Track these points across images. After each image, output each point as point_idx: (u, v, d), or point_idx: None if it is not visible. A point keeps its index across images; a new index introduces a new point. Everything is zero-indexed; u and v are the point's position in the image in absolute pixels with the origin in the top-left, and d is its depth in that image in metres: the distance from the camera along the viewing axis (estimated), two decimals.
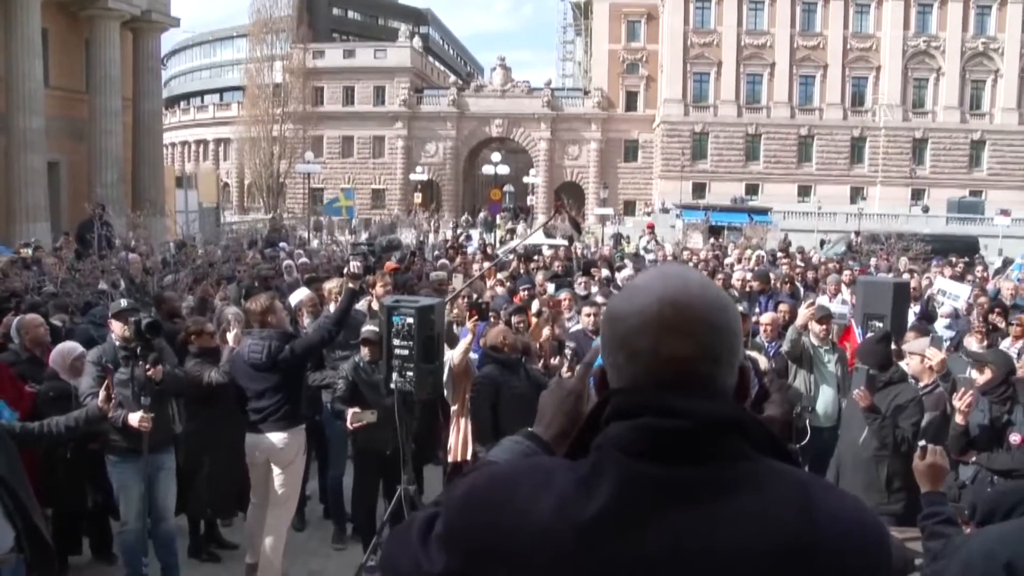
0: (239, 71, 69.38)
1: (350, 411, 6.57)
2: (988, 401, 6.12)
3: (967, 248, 27.43)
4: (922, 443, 3.23)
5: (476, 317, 7.60)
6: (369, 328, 6.98)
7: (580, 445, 1.45)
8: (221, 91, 78.26)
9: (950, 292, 12.52)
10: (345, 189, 46.29)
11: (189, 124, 77.90)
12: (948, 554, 1.43)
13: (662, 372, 1.36)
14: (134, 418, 5.82)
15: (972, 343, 8.68)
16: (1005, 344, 8.37)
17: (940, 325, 11.03)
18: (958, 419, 5.96)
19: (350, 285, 7.12)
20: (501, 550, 1.33)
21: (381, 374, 6.63)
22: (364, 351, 6.98)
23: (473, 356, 7.70)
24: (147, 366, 5.93)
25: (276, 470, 6.62)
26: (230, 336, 7.26)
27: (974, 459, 6.12)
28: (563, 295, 10.18)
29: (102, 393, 5.20)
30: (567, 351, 7.37)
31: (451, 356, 7.48)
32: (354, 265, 7.26)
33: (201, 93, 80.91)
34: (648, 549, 1.28)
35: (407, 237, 36.92)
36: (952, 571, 1.38)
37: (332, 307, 8.18)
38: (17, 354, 7.01)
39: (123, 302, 6.50)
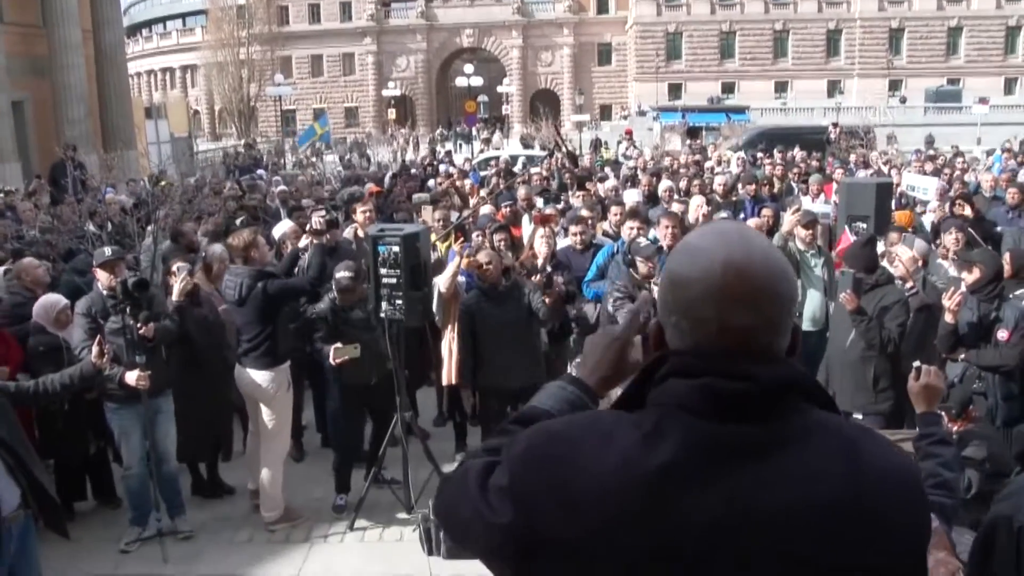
0: None
1: (332, 347, 6.47)
2: (976, 300, 6.19)
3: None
4: (916, 364, 3.25)
5: (461, 239, 7.56)
6: (344, 275, 6.76)
7: (633, 397, 1.47)
8: (183, 16, 76.11)
9: (919, 187, 12.54)
10: (318, 114, 45.58)
11: (153, 52, 76.15)
12: (1014, 493, 1.45)
13: (726, 340, 1.38)
14: (131, 377, 5.82)
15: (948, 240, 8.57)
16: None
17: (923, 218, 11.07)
18: (947, 318, 6.03)
19: (315, 241, 6.95)
20: (567, 506, 1.35)
21: (360, 312, 6.77)
22: (342, 296, 6.82)
23: (462, 279, 7.69)
24: (139, 325, 5.88)
25: (261, 405, 6.67)
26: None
27: (963, 356, 6.21)
28: (549, 209, 10.10)
29: (95, 349, 5.17)
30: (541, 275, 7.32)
31: (439, 281, 7.48)
32: (316, 220, 7.11)
33: (163, 19, 78.68)
34: (710, 503, 1.31)
35: (384, 155, 36.50)
36: (979, 536, 1.40)
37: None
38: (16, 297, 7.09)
39: (108, 250, 6.38)
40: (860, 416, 6.14)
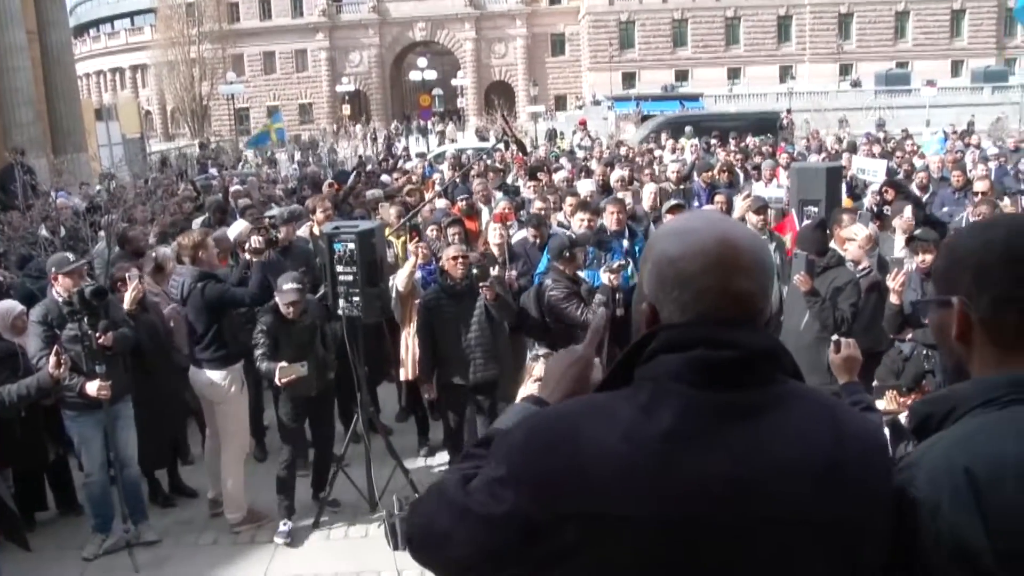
0: None
1: (278, 367, 6.10)
2: (919, 279, 6.34)
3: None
4: (835, 338, 3.38)
5: (417, 239, 7.56)
6: (292, 287, 6.33)
7: (621, 375, 1.53)
8: (131, 15, 74.91)
9: (868, 169, 12.76)
10: (272, 112, 45.13)
11: (102, 52, 74.93)
12: (911, 464, 1.51)
13: (728, 306, 1.47)
14: (92, 387, 5.75)
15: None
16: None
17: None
18: (893, 299, 6.17)
19: (255, 259, 6.84)
20: (573, 483, 1.39)
21: (302, 323, 6.44)
22: (287, 308, 6.37)
23: (419, 276, 7.72)
24: (98, 335, 5.81)
25: (217, 406, 6.65)
26: None
27: (910, 336, 6.36)
28: (503, 203, 10.10)
29: (52, 359, 5.12)
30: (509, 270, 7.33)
31: (396, 280, 7.50)
32: (255, 240, 7.00)
33: (111, 19, 77.35)
34: (717, 462, 1.39)
35: (343, 151, 36.22)
36: (921, 481, 1.46)
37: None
38: None
39: (70, 256, 6.27)
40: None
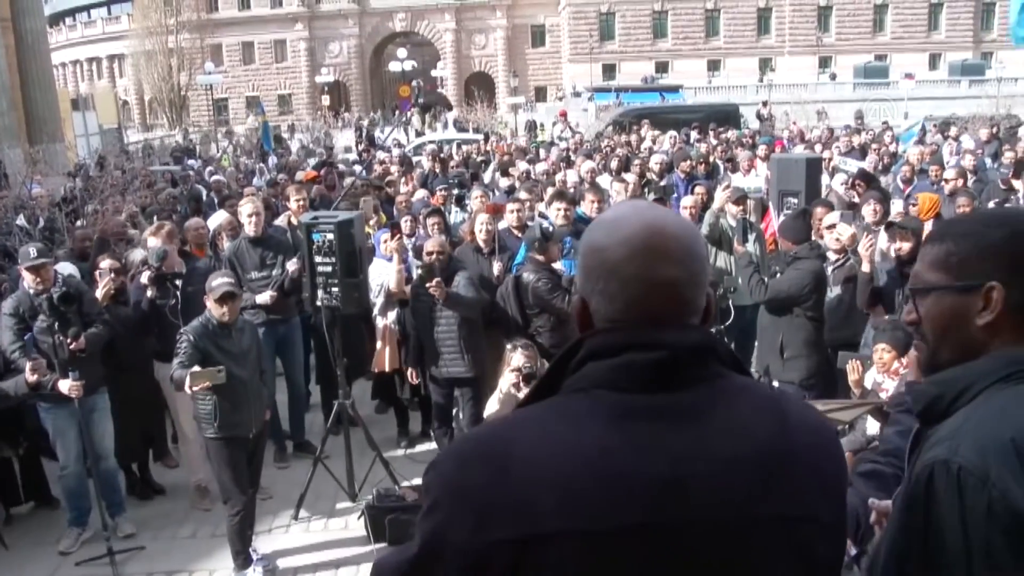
0: None
1: (188, 372, 5.29)
2: (895, 255, 6.37)
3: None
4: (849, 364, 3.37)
5: (398, 236, 7.47)
6: (224, 281, 5.65)
7: (548, 388, 1.48)
8: (108, 3, 74.23)
9: (849, 162, 12.84)
10: (252, 102, 44.81)
11: (78, 42, 74.21)
12: (948, 437, 1.51)
13: (655, 296, 1.43)
14: (64, 386, 5.64)
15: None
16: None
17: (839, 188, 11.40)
18: (864, 267, 6.18)
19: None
20: (507, 505, 1.33)
21: (234, 346, 5.67)
22: (220, 309, 5.57)
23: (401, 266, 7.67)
24: (69, 340, 5.71)
25: (173, 402, 6.62)
26: None
27: (887, 317, 6.36)
28: (477, 192, 10.06)
29: (28, 366, 5.06)
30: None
31: (387, 282, 7.44)
32: (146, 276, 6.68)
33: (87, 7, 76.56)
34: (655, 467, 1.34)
35: (341, 140, 35.93)
36: (966, 450, 1.46)
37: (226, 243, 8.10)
38: None
39: (32, 251, 6.13)
40: (776, 384, 6.22)
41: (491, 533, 1.32)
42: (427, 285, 6.52)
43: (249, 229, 7.59)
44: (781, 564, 1.38)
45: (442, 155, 17.48)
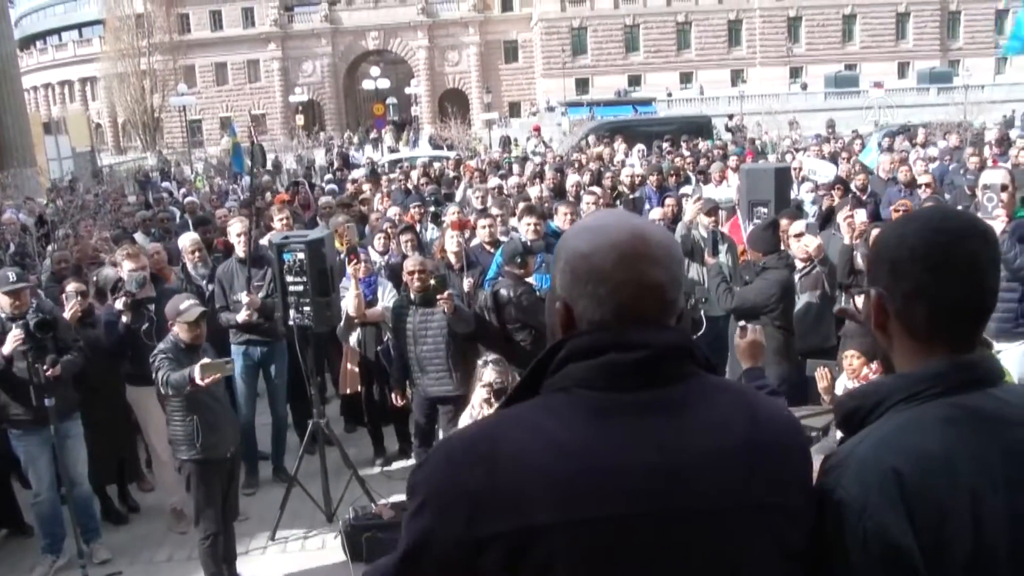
0: (96, 3, 65.67)
1: (199, 364, 5.32)
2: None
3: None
4: (741, 323, 3.44)
5: (356, 261, 7.41)
6: (194, 303, 5.64)
7: (528, 389, 1.53)
8: (79, 26, 73.81)
9: (818, 171, 12.93)
10: (225, 123, 44.55)
11: (49, 65, 73.77)
12: (838, 465, 1.52)
13: (645, 299, 1.48)
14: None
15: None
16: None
17: (806, 199, 11.54)
18: (844, 239, 6.29)
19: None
20: (495, 501, 1.38)
21: (204, 351, 5.66)
22: (194, 332, 5.58)
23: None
24: (46, 369, 5.69)
25: (146, 424, 6.58)
26: None
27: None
28: (453, 209, 10.06)
29: None
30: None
31: (346, 306, 7.37)
32: (122, 302, 6.61)
33: (58, 31, 76.12)
34: (639, 461, 1.40)
35: (320, 158, 35.80)
36: (848, 481, 1.47)
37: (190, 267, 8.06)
38: None
39: (11, 274, 6.07)
40: None
41: (483, 528, 1.37)
42: (438, 298, 6.47)
43: (239, 249, 7.57)
44: (760, 550, 1.43)
45: (429, 171, 17.58)
